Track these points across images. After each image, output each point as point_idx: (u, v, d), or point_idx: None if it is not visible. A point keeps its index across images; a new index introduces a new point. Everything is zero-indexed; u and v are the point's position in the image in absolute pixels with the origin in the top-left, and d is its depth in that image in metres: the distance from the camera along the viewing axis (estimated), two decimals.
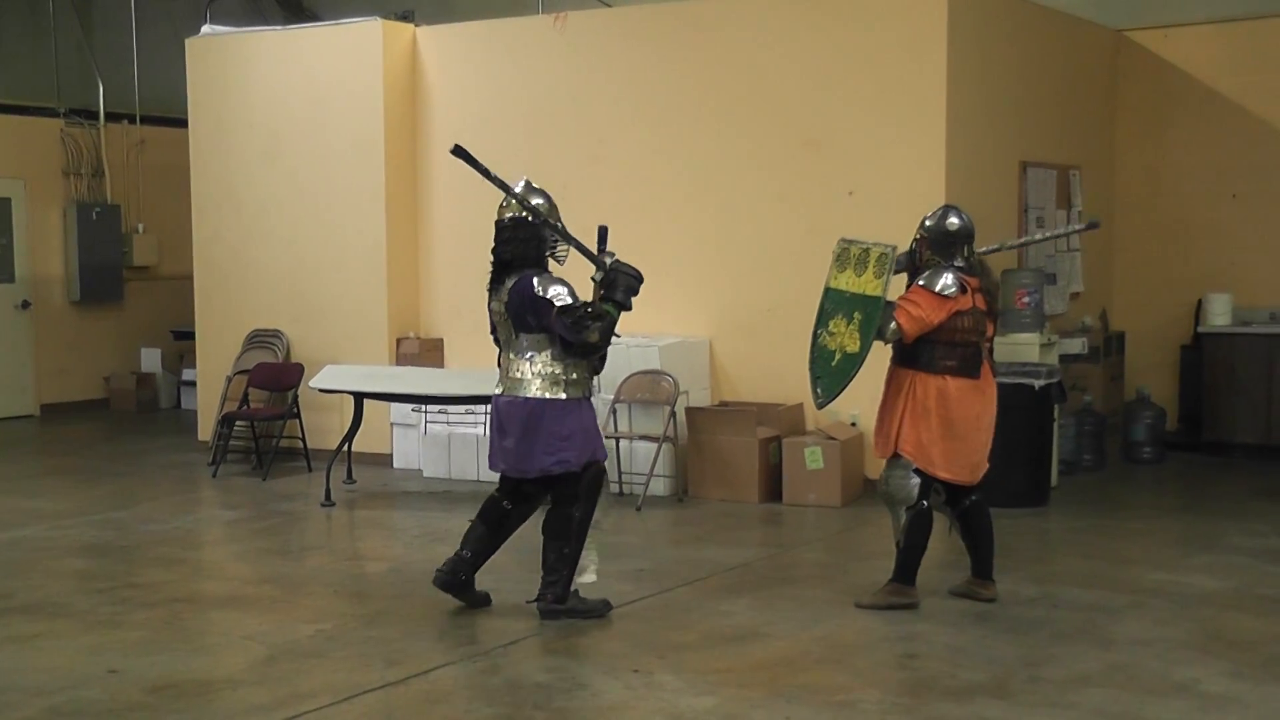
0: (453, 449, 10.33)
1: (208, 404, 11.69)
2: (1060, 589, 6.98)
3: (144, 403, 14.42)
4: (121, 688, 5.64)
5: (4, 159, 13.74)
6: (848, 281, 6.52)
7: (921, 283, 6.51)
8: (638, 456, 9.50)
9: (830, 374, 6.51)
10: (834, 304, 6.60)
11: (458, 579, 6.65)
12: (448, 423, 10.37)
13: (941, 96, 9.20)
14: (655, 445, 9.31)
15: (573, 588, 6.53)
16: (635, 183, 10.31)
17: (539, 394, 6.36)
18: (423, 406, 10.23)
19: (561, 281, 6.38)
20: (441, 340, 11.05)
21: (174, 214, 13.59)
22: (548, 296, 6.30)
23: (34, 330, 14.07)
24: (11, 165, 13.81)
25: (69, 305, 14.31)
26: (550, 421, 6.35)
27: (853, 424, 9.39)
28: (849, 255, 6.58)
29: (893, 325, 6.39)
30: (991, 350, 6.70)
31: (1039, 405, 8.98)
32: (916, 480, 6.49)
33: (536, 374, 6.39)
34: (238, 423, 10.94)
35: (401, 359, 10.83)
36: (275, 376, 10.97)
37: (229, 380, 11.29)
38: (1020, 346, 9.39)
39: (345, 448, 9.78)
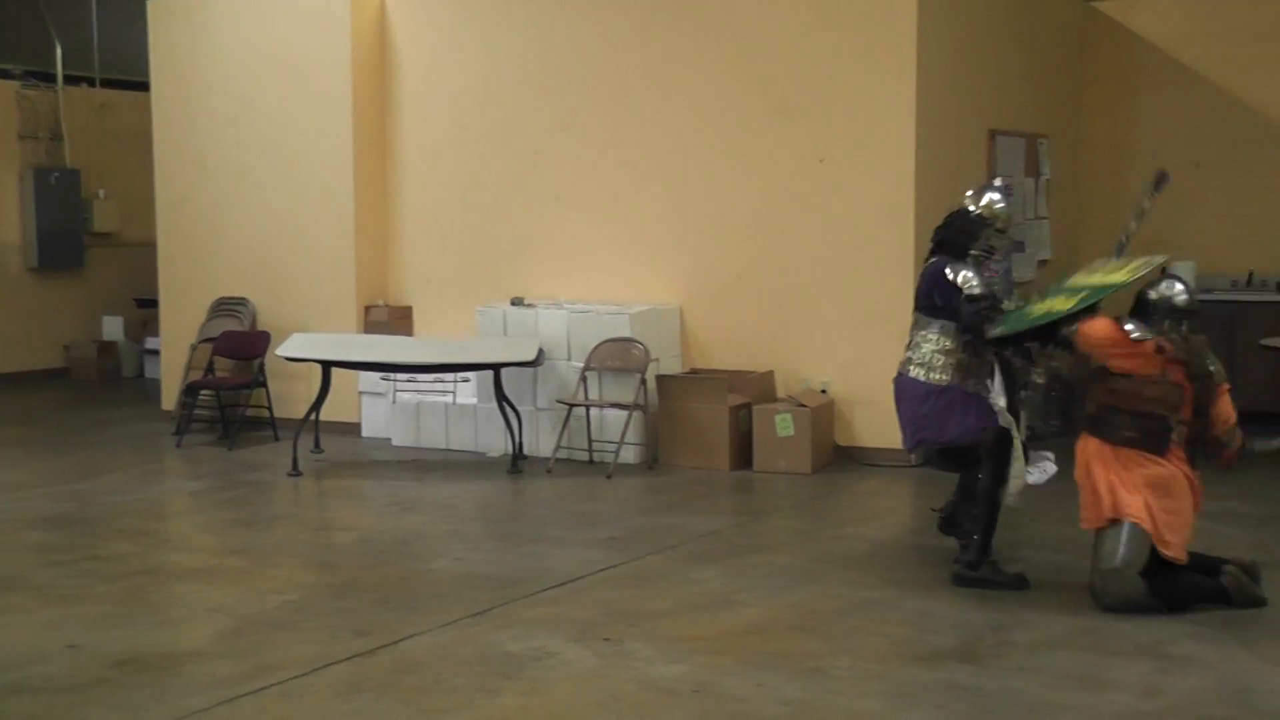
0: (422, 417, 10.28)
1: (172, 373, 11.58)
2: (1031, 553, 6.99)
3: (106, 371, 14.29)
4: (82, 662, 5.56)
5: None
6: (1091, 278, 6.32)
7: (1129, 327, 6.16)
8: (608, 424, 9.47)
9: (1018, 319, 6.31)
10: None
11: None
12: (417, 391, 10.31)
13: (912, 65, 9.16)
14: (626, 413, 9.28)
15: (992, 556, 6.52)
16: (606, 149, 10.24)
17: (914, 375, 6.56)
18: (391, 375, 10.17)
19: (975, 269, 6.50)
20: (410, 308, 10.97)
21: (137, 179, 13.41)
22: (957, 282, 6.45)
23: None
24: None
25: (27, 272, 14.13)
26: (916, 402, 6.55)
27: (823, 391, 9.39)
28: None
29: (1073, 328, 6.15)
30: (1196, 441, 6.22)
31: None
32: None
33: (915, 352, 6.58)
34: (203, 392, 10.84)
35: (370, 327, 10.75)
36: (241, 345, 10.88)
37: (194, 349, 11.19)
38: None
39: (313, 416, 9.70)
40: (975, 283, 6.44)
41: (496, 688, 5.22)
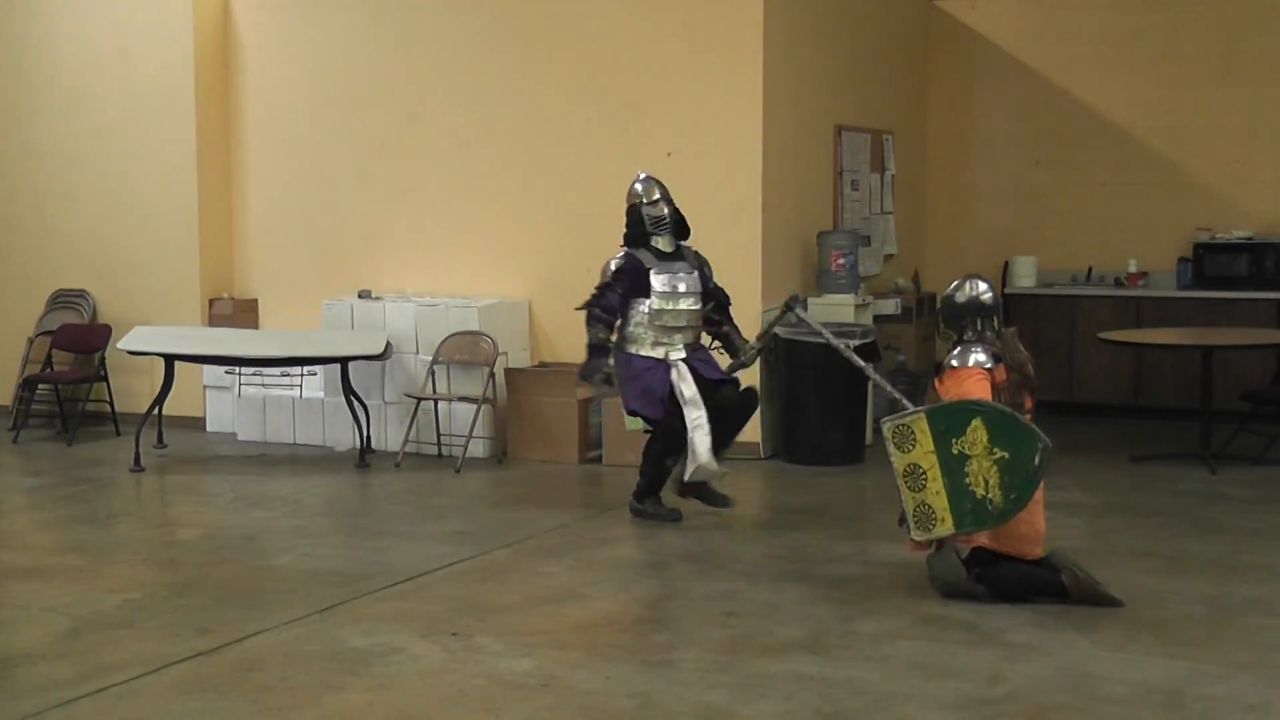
0: (268, 411, 10.12)
1: (7, 367, 11.21)
2: (875, 545, 7.12)
3: None
4: None
5: None
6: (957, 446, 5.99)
7: (954, 363, 6.21)
8: (457, 418, 9.43)
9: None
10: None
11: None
12: (263, 385, 10.16)
13: (759, 60, 9.27)
14: (474, 407, 9.26)
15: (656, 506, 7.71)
16: (455, 141, 10.19)
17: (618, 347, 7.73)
18: (236, 368, 10.01)
19: (611, 266, 7.65)
20: (256, 301, 10.79)
21: None
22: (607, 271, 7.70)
23: None
24: None
25: None
26: (620, 368, 7.69)
27: None
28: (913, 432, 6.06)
29: None
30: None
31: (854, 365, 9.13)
32: None
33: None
34: (40, 386, 10.56)
35: (215, 320, 10.56)
36: (81, 338, 10.61)
37: (31, 342, 10.87)
38: (835, 307, 9.55)
39: (155, 411, 9.50)
40: (604, 276, 7.65)
41: (343, 684, 5.18)
